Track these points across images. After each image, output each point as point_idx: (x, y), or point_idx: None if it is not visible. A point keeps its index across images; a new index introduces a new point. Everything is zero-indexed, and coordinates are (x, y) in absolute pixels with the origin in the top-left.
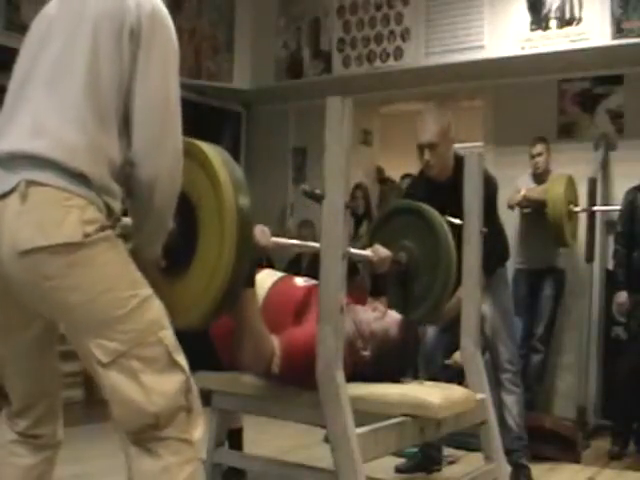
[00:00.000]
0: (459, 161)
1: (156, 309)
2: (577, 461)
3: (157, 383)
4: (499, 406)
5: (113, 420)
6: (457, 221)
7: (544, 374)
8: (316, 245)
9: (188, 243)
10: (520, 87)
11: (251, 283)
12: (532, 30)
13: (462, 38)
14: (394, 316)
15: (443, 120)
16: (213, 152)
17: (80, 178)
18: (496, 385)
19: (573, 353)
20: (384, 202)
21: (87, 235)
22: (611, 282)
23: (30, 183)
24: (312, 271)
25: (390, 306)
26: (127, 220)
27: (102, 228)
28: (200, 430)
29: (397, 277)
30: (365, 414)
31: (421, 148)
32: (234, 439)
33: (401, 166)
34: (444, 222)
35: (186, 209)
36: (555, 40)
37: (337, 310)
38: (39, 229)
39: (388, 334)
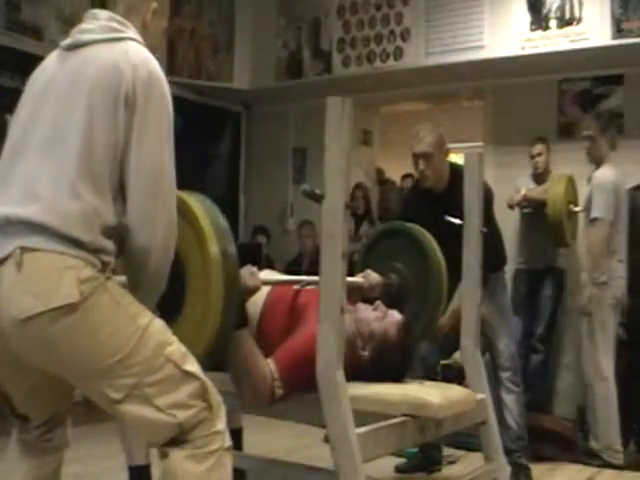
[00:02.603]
0: (455, 172)
1: (158, 330)
2: (577, 461)
3: (173, 400)
4: (499, 406)
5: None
6: (457, 221)
7: (544, 374)
8: (306, 278)
9: (176, 296)
10: (520, 87)
11: (242, 324)
12: (532, 30)
13: (462, 38)
14: (394, 316)
15: (437, 132)
16: (196, 203)
17: (74, 242)
18: (496, 385)
19: (573, 353)
20: (384, 202)
21: (84, 293)
22: None
23: (24, 250)
24: (312, 271)
25: None
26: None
27: (97, 281)
28: (223, 420)
29: (388, 299)
30: (365, 414)
31: (416, 158)
32: (234, 439)
33: (401, 166)
34: (433, 241)
35: (173, 262)
36: (555, 40)
37: (337, 310)
38: (37, 295)
39: (387, 334)
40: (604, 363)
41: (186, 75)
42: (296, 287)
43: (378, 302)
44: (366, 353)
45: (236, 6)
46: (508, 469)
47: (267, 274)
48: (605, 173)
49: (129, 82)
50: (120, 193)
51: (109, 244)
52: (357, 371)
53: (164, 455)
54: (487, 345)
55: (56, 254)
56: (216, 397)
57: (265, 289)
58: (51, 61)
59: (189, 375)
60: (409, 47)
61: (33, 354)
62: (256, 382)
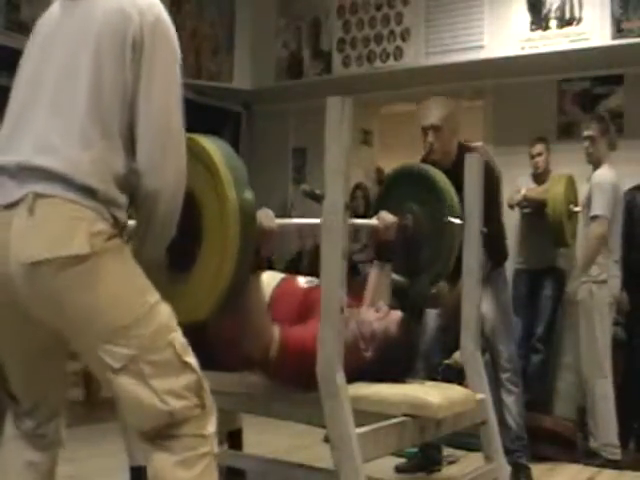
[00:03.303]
0: (463, 150)
1: (164, 313)
2: (577, 461)
3: (168, 385)
4: (499, 406)
5: (128, 424)
6: (457, 221)
7: (544, 374)
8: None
9: (192, 240)
10: (520, 87)
11: (255, 269)
12: (532, 30)
13: (462, 38)
14: (395, 314)
15: (448, 106)
16: (213, 147)
17: (87, 191)
18: (496, 385)
19: (573, 353)
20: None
21: (95, 246)
22: None
23: (37, 196)
24: (312, 271)
25: (395, 272)
26: (132, 223)
27: (109, 238)
28: (214, 425)
29: (403, 243)
30: (365, 414)
31: (425, 131)
32: (234, 439)
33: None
34: (449, 184)
35: (188, 206)
36: (555, 40)
37: (337, 310)
38: (47, 242)
39: (388, 331)
40: (603, 360)
41: (186, 75)
42: (304, 285)
43: (380, 303)
44: (369, 354)
45: (236, 6)
46: (508, 469)
47: (271, 276)
48: (605, 173)
49: (136, 26)
50: (130, 139)
51: (121, 197)
52: (360, 372)
53: (150, 458)
54: (487, 345)
55: (69, 203)
56: (210, 398)
57: (272, 284)
58: (54, 12)
59: (187, 366)
60: (409, 47)
61: (39, 304)
62: (257, 332)
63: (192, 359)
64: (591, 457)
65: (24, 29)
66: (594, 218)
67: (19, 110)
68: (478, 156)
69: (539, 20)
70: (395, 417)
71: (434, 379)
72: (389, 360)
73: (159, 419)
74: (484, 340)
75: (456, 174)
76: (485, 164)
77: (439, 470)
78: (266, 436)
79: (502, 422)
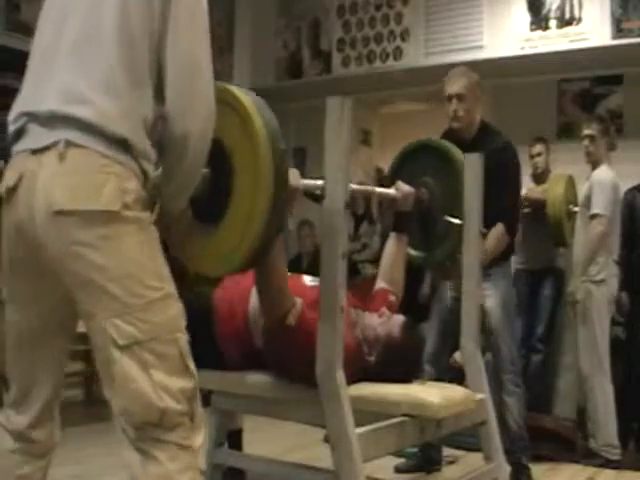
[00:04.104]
0: (485, 124)
1: (176, 309)
2: (577, 461)
3: (166, 382)
4: (500, 406)
5: (116, 414)
6: (457, 221)
7: (544, 374)
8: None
9: (222, 191)
10: (520, 87)
11: (281, 228)
12: (532, 30)
13: (462, 38)
14: (398, 318)
15: (471, 76)
16: (247, 98)
17: (120, 144)
18: (497, 385)
19: (573, 353)
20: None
21: (126, 205)
22: None
23: (69, 143)
24: (312, 271)
25: (411, 245)
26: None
27: (139, 202)
28: (201, 438)
29: (418, 216)
30: (365, 414)
31: (449, 99)
32: (234, 439)
33: None
34: (465, 158)
35: (219, 156)
36: (555, 40)
37: (337, 310)
38: (77, 192)
39: (391, 337)
40: (603, 360)
41: None
42: (310, 284)
43: (383, 309)
44: (372, 358)
45: (236, 6)
46: (508, 469)
47: None
48: (605, 172)
49: None
50: (159, 86)
51: (150, 148)
52: (364, 376)
53: (134, 442)
54: (488, 345)
55: (101, 156)
56: (199, 413)
57: None
58: None
59: (187, 371)
60: (409, 47)
61: (58, 257)
62: (279, 296)
63: (193, 366)
64: (591, 457)
65: (24, 29)
66: (594, 216)
67: (43, 58)
68: (478, 155)
69: (539, 20)
70: (395, 417)
71: (441, 380)
72: (393, 364)
73: (150, 414)
74: (486, 338)
75: (475, 149)
76: (508, 146)
77: (439, 470)
78: (266, 436)
79: (503, 422)
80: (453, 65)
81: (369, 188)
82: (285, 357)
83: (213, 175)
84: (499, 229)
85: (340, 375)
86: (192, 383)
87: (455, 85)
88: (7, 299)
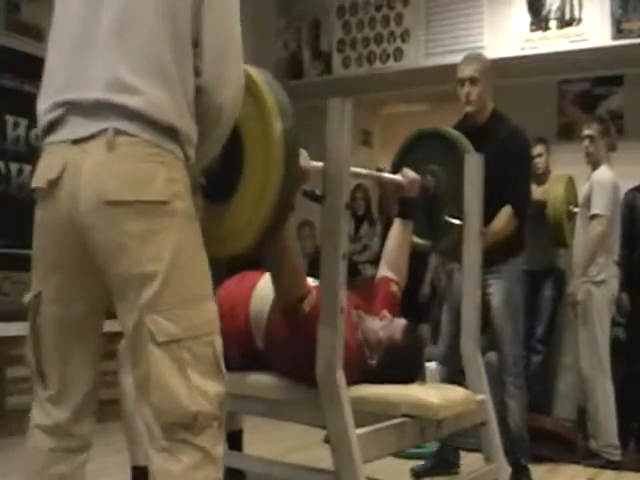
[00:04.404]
0: (497, 112)
1: (214, 310)
2: (577, 461)
3: (202, 384)
4: (501, 407)
5: (144, 411)
6: (457, 221)
7: (544, 375)
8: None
9: (233, 169)
10: (520, 88)
11: (292, 208)
12: (532, 31)
13: (462, 39)
14: (400, 322)
15: (484, 61)
16: (257, 73)
17: (168, 132)
18: (499, 386)
19: (573, 353)
20: (384, 203)
21: (175, 195)
22: None
23: (118, 132)
24: (313, 272)
25: (416, 234)
26: None
27: (186, 190)
28: (222, 446)
29: (424, 204)
30: (365, 414)
31: (462, 82)
32: (234, 440)
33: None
34: (471, 146)
35: (232, 135)
36: (555, 41)
37: (337, 310)
38: (126, 183)
39: (393, 340)
40: (603, 360)
41: None
42: (312, 284)
43: (384, 312)
44: (374, 362)
45: None
46: (508, 470)
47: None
48: (605, 172)
49: None
50: (195, 56)
51: (194, 131)
52: (366, 380)
53: (163, 441)
54: (493, 344)
55: (152, 145)
56: (223, 421)
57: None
58: None
59: (220, 374)
60: (409, 48)
61: (103, 246)
62: (294, 276)
63: (224, 369)
64: (591, 458)
65: (24, 29)
66: (594, 217)
67: (76, 42)
68: (478, 155)
69: (539, 21)
70: (395, 418)
71: (455, 382)
72: (395, 367)
73: (182, 416)
74: (490, 338)
75: (486, 134)
76: (522, 132)
77: (456, 473)
78: (266, 436)
79: (503, 423)
80: (454, 66)
81: (374, 173)
82: (292, 345)
83: (223, 153)
84: (508, 210)
85: (340, 376)
86: (224, 387)
87: (468, 68)
88: (48, 298)
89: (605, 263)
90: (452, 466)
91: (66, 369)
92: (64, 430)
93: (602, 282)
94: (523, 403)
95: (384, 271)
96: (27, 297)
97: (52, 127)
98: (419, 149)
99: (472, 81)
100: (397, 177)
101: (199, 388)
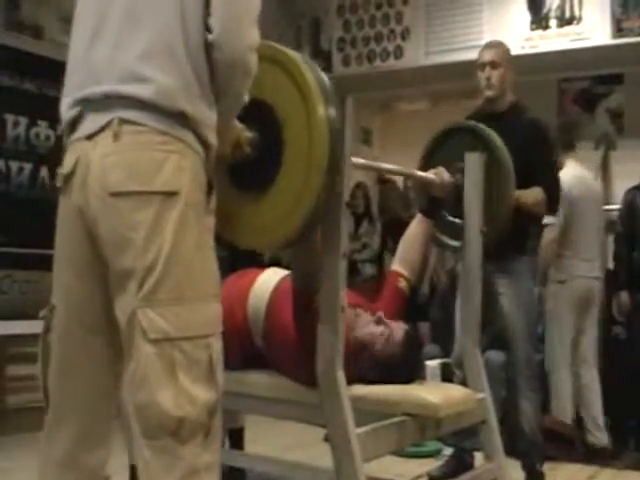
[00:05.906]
0: (516, 101)
1: (216, 311)
2: (577, 460)
3: (191, 388)
4: (514, 409)
5: (128, 409)
6: (456, 221)
7: (543, 374)
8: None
9: (272, 158)
10: (520, 87)
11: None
12: (532, 29)
13: (462, 37)
14: (398, 326)
15: (505, 47)
16: (302, 62)
17: (178, 118)
18: (512, 387)
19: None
20: (384, 202)
21: (185, 185)
22: (611, 282)
23: (123, 121)
24: None
25: (440, 232)
26: None
27: (197, 180)
28: (212, 456)
29: (456, 201)
30: (365, 413)
31: (483, 67)
32: (235, 438)
33: (401, 165)
34: (502, 142)
35: (271, 122)
36: (555, 39)
37: (337, 310)
38: (133, 172)
39: (392, 343)
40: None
41: None
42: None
43: (380, 314)
44: (372, 372)
45: None
46: (521, 475)
47: (274, 272)
48: (563, 174)
49: None
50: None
51: (210, 111)
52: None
53: (146, 447)
54: (505, 344)
55: (160, 134)
56: (216, 430)
57: (271, 283)
58: None
59: (213, 382)
60: (409, 46)
61: (108, 241)
62: (315, 277)
63: (220, 378)
64: (591, 456)
65: (24, 28)
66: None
67: (92, 36)
68: (478, 155)
69: (539, 19)
70: (395, 416)
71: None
72: (393, 371)
73: (165, 421)
74: (490, 337)
75: (506, 122)
76: (543, 121)
77: None
78: (266, 435)
79: (517, 426)
80: (454, 64)
81: (405, 170)
82: (297, 338)
83: (263, 142)
84: (541, 193)
85: (340, 375)
86: (216, 395)
87: (489, 53)
88: (61, 313)
89: (568, 263)
90: (468, 468)
91: (70, 385)
92: (68, 462)
93: (563, 282)
94: (536, 405)
95: (395, 265)
96: (43, 312)
97: (74, 125)
98: (449, 145)
99: (493, 65)
100: (430, 175)
101: (187, 392)
